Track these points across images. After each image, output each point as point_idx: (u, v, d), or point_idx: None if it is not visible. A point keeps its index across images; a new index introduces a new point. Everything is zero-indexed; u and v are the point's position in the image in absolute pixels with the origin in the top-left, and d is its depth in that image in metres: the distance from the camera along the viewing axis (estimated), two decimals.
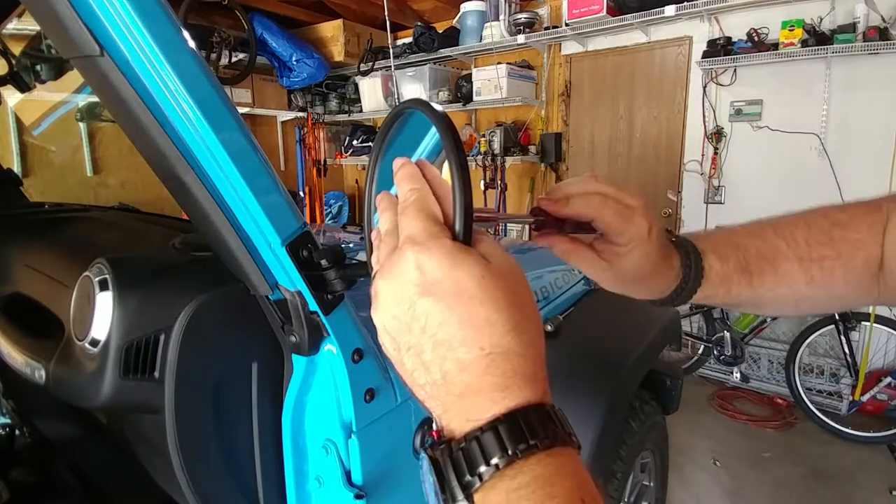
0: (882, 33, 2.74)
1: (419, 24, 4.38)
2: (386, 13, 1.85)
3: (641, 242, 0.49)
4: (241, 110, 4.19)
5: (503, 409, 0.30)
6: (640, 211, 0.49)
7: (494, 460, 0.28)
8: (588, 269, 0.52)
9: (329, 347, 0.75)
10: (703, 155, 3.49)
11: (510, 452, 0.28)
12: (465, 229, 0.33)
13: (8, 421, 1.34)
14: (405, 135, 0.44)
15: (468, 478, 0.29)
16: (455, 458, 0.30)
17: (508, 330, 0.31)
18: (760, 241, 0.55)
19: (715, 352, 3.32)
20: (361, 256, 0.57)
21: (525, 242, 1.88)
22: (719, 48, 3.20)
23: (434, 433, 0.33)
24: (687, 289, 0.53)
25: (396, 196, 0.37)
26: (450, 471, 0.30)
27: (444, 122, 0.35)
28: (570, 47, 4.00)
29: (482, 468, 0.29)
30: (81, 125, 3.61)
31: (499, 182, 4.06)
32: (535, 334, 0.33)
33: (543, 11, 4.00)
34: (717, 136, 3.39)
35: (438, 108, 0.37)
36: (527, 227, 3.56)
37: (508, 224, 4.22)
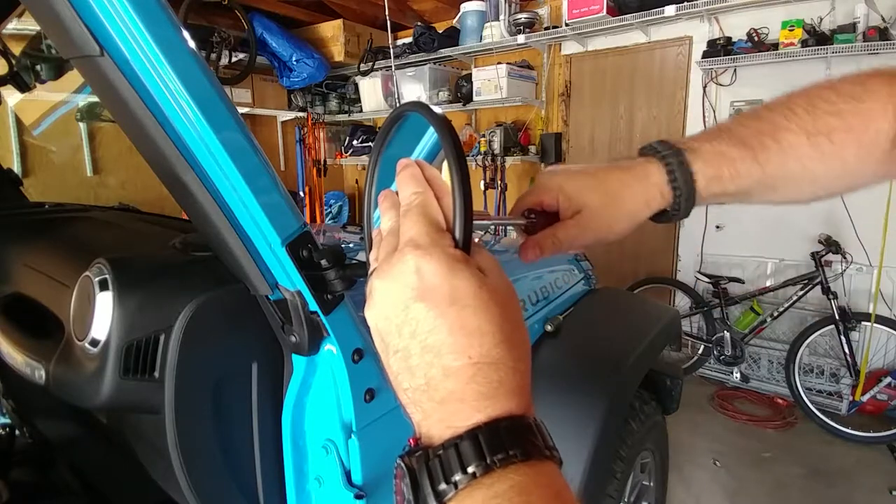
0: (882, 33, 2.74)
1: (419, 24, 4.38)
2: (386, 13, 1.85)
3: (575, 184, 0.49)
4: (241, 110, 4.19)
5: (485, 417, 0.29)
6: (554, 173, 0.51)
7: (471, 468, 0.28)
8: (577, 240, 0.50)
9: (329, 347, 0.75)
10: None
11: (488, 461, 0.28)
12: (464, 237, 0.33)
13: (8, 421, 1.34)
14: (405, 136, 0.44)
15: (443, 486, 0.28)
16: (431, 465, 0.29)
17: (500, 341, 0.31)
18: (754, 120, 0.50)
19: (715, 352, 3.32)
20: (361, 256, 0.57)
21: None
22: (719, 48, 3.20)
23: (412, 440, 0.32)
24: (677, 178, 0.48)
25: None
26: (424, 478, 0.29)
27: (445, 126, 0.35)
28: (570, 47, 4.00)
29: (458, 476, 0.28)
30: (81, 125, 3.61)
31: (499, 182, 4.06)
32: (524, 351, 0.33)
33: (543, 11, 4.00)
34: None
35: (438, 111, 0.37)
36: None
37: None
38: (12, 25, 1.57)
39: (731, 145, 0.49)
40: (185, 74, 0.56)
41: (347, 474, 0.78)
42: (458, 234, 0.34)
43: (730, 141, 0.49)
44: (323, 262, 0.69)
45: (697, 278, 3.44)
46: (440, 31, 4.25)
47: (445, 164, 0.35)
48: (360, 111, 4.93)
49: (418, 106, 0.38)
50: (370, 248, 0.40)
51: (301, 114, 4.93)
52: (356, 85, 4.86)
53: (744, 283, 3.28)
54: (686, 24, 3.42)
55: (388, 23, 1.53)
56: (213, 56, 3.57)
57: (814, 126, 0.48)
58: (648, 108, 3.73)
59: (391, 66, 4.36)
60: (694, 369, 3.50)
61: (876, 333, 2.89)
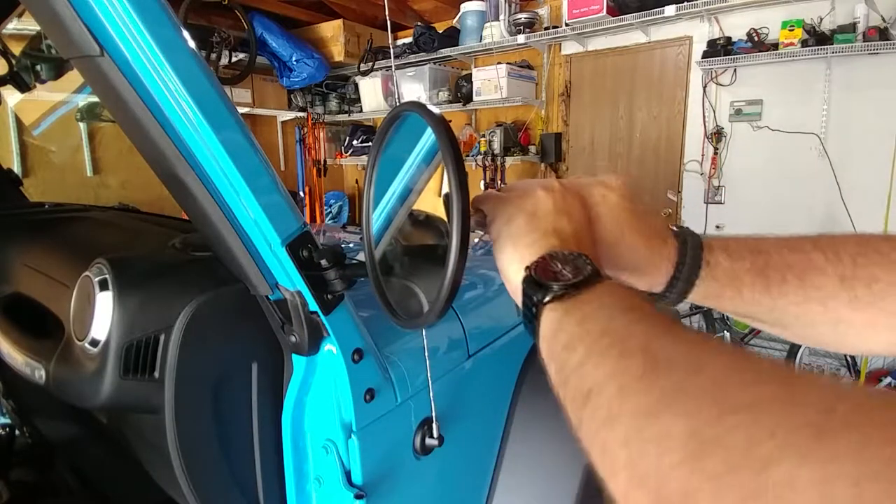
0: (882, 33, 2.74)
1: (419, 24, 4.38)
2: (386, 13, 1.85)
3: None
4: (241, 110, 4.19)
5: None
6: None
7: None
8: None
9: (329, 347, 0.75)
10: (703, 155, 3.49)
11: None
12: (462, 236, 0.37)
13: (8, 421, 1.34)
14: (403, 136, 0.44)
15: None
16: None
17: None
18: (790, 250, 0.46)
19: None
20: (361, 256, 0.57)
21: None
22: (719, 48, 3.20)
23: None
24: (681, 279, 0.48)
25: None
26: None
27: (442, 125, 0.35)
28: (570, 47, 4.00)
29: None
30: (81, 125, 3.61)
31: (499, 182, 4.06)
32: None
33: (543, 11, 4.00)
34: (717, 136, 3.39)
35: (436, 110, 0.37)
36: None
37: None
38: (12, 25, 1.56)
39: (750, 270, 0.46)
40: (185, 74, 0.56)
41: (347, 474, 0.78)
42: (455, 232, 0.35)
43: (753, 263, 0.46)
44: (323, 262, 0.69)
45: None
46: (440, 31, 4.25)
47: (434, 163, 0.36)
48: (360, 111, 4.93)
49: (415, 106, 0.38)
50: (369, 248, 0.40)
51: (301, 114, 4.93)
52: (356, 85, 4.86)
53: None
54: (686, 24, 3.42)
55: (388, 23, 1.54)
56: (213, 56, 3.57)
57: (853, 272, 0.43)
58: (648, 108, 3.73)
59: (391, 66, 4.36)
60: None
61: None
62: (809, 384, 0.23)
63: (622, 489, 0.26)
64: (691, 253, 0.48)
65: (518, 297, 0.41)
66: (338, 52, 4.47)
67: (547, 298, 0.36)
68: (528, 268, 0.39)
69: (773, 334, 0.49)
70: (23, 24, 1.65)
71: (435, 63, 4.38)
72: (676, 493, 0.23)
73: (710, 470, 0.22)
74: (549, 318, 0.36)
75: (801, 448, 0.20)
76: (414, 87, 4.41)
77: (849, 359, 2.87)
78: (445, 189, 0.47)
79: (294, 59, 4.31)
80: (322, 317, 0.72)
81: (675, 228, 0.51)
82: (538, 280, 0.38)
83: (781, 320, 0.47)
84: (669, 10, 3.22)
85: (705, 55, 3.27)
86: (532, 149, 4.15)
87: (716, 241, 0.49)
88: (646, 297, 0.37)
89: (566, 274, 0.37)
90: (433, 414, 0.84)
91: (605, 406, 0.28)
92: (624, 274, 0.49)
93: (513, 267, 0.42)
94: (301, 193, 4.88)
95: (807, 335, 0.48)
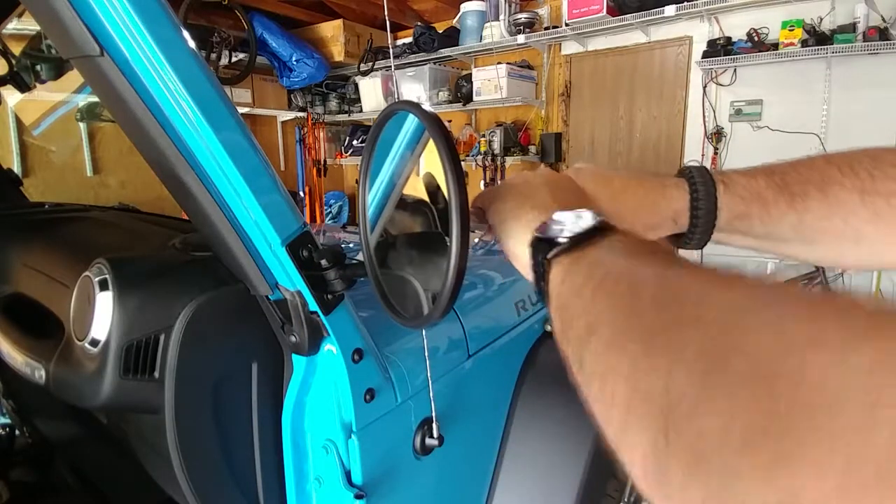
0: (882, 33, 2.74)
1: (419, 24, 4.38)
2: (386, 13, 1.85)
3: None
4: (241, 110, 4.19)
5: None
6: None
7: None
8: None
9: (329, 347, 0.75)
10: (703, 155, 3.49)
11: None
12: (461, 230, 0.37)
13: (8, 421, 1.34)
14: (397, 134, 0.44)
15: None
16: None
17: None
18: (805, 167, 0.46)
19: None
20: (361, 256, 0.57)
21: None
22: (719, 48, 3.20)
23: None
24: (701, 198, 0.46)
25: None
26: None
27: (436, 125, 0.36)
28: (570, 47, 4.00)
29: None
30: (81, 125, 3.61)
31: (499, 182, 4.07)
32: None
33: (543, 11, 4.00)
34: (717, 136, 3.39)
35: (428, 108, 0.37)
36: None
37: None
38: (12, 25, 1.56)
39: (769, 186, 0.46)
40: (185, 74, 0.56)
41: (347, 474, 0.78)
42: (455, 227, 0.36)
43: (769, 181, 0.46)
44: (323, 262, 0.69)
45: None
46: (440, 31, 4.25)
47: (423, 159, 0.36)
48: (360, 111, 4.93)
49: (406, 104, 0.39)
50: (367, 245, 0.44)
51: (301, 114, 4.93)
52: (356, 85, 4.86)
53: None
54: (686, 24, 3.42)
55: (388, 23, 1.53)
56: (213, 56, 3.57)
57: (872, 186, 0.43)
58: (648, 108, 3.73)
59: (391, 66, 4.36)
60: None
61: None
62: (842, 298, 0.21)
63: (620, 415, 0.24)
64: (698, 172, 0.47)
65: (528, 272, 0.40)
66: (338, 52, 4.47)
67: (554, 252, 0.36)
68: (533, 232, 0.39)
69: (798, 256, 0.49)
70: (23, 24, 1.65)
71: (435, 63, 4.38)
72: (687, 396, 0.20)
73: (736, 368, 0.19)
74: (557, 271, 0.36)
75: (854, 331, 0.18)
76: (414, 87, 4.41)
77: None
78: (424, 170, 0.49)
79: (294, 59, 4.30)
80: (322, 317, 0.72)
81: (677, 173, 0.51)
82: (544, 238, 0.38)
83: (809, 237, 0.46)
84: (669, 10, 3.22)
85: (705, 55, 3.27)
86: (532, 149, 4.15)
87: (720, 173, 0.48)
88: (657, 244, 0.36)
89: (573, 228, 0.36)
90: (433, 414, 0.84)
91: (610, 333, 0.27)
92: (637, 226, 0.48)
93: (519, 241, 0.42)
94: (301, 193, 4.89)
95: (830, 255, 0.48)
